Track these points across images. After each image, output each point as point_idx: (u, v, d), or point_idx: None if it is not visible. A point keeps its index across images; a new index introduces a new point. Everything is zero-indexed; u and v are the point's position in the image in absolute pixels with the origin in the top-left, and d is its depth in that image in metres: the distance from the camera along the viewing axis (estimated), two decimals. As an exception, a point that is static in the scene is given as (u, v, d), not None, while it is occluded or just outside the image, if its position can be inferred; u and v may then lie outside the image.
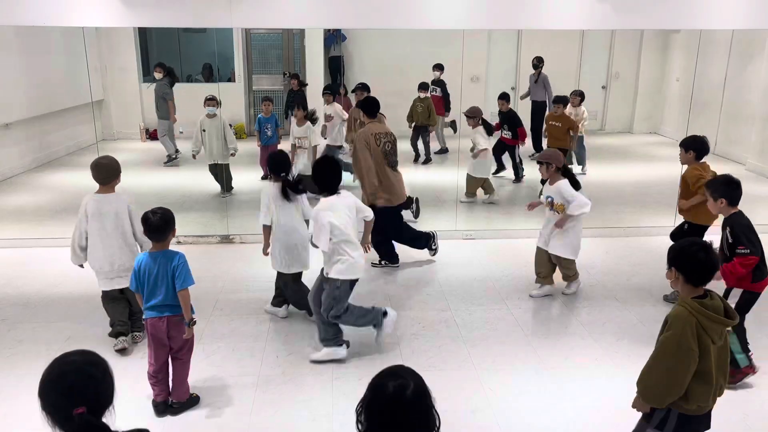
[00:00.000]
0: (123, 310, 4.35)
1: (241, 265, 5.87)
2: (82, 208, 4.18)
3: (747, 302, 3.82)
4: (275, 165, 4.60)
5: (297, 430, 3.50)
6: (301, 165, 7.53)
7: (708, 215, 5.07)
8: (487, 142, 7.68)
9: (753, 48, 9.57)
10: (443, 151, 10.22)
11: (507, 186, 8.68)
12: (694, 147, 5.05)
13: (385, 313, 4.26)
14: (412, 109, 9.51)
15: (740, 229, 3.69)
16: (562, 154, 5.11)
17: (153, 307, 3.50)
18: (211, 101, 7.69)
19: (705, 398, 2.55)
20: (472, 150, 7.61)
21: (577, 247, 5.08)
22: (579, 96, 8.88)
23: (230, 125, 8.02)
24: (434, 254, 5.99)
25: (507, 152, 8.58)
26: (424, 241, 5.94)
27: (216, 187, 8.00)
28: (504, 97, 8.44)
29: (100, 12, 5.57)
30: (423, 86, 9.53)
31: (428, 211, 7.29)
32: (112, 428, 1.81)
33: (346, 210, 4.04)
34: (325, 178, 4.08)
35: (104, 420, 1.82)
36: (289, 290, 4.73)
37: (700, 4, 5.98)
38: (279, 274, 4.72)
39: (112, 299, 4.36)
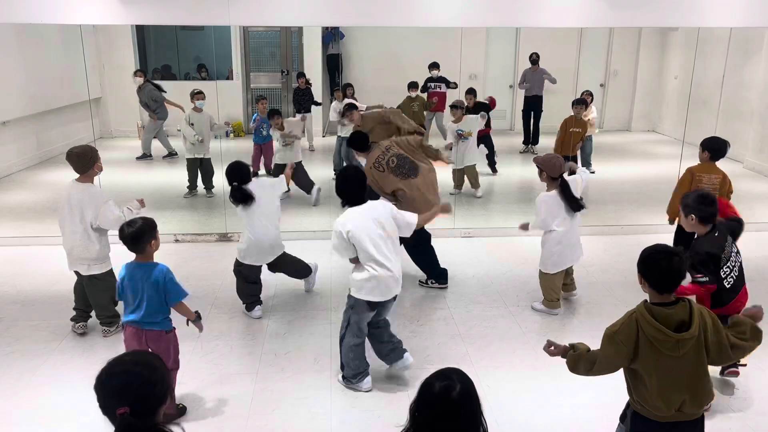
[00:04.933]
0: (82, 296, 4.50)
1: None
2: (64, 197, 4.30)
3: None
4: (230, 175, 4.64)
5: (296, 428, 3.50)
6: (278, 157, 7.64)
7: None
8: (475, 129, 7.80)
9: (751, 46, 9.58)
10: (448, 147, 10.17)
11: (494, 182, 8.68)
12: (709, 148, 5.03)
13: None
14: (406, 110, 9.43)
15: (700, 254, 3.50)
16: (562, 161, 4.75)
17: (133, 320, 3.41)
18: (199, 95, 7.70)
19: (658, 406, 2.47)
20: (465, 138, 7.75)
21: (548, 262, 4.79)
22: (591, 95, 8.94)
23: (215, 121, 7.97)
24: (427, 284, 5.42)
25: (482, 144, 8.47)
26: (435, 274, 5.37)
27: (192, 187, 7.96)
28: (471, 92, 8.54)
29: (98, 10, 5.56)
30: (413, 85, 9.49)
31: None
32: (165, 428, 1.82)
33: (372, 221, 3.64)
34: (347, 189, 3.73)
35: (156, 419, 1.84)
36: (288, 269, 5.00)
37: (698, 1, 5.98)
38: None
39: (77, 283, 4.50)
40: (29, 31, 8.61)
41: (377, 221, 3.65)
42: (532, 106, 10.32)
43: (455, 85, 9.61)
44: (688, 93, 7.57)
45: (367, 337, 3.90)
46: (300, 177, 7.51)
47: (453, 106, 7.85)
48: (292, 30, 11.59)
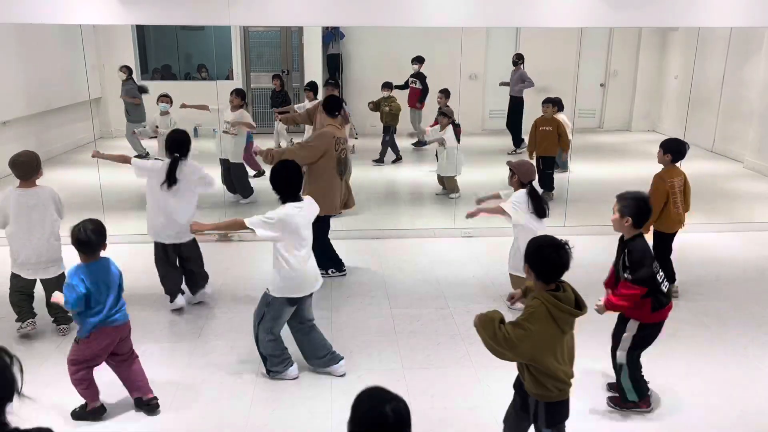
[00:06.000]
0: (28, 299, 4.49)
1: (239, 263, 5.88)
2: (2, 201, 4.29)
3: (644, 339, 3.55)
4: (172, 144, 4.64)
5: (296, 428, 3.50)
6: (230, 153, 7.47)
7: (671, 223, 5.04)
8: (454, 142, 7.70)
9: (751, 46, 9.57)
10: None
11: (495, 182, 8.66)
12: (671, 150, 4.95)
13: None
14: (379, 109, 9.38)
15: (639, 256, 3.44)
16: (534, 169, 4.88)
17: (109, 316, 3.42)
18: (164, 98, 7.68)
19: (561, 384, 2.72)
20: (442, 144, 7.71)
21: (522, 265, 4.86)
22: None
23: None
24: (325, 275, 5.41)
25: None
26: (333, 264, 5.56)
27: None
28: (444, 92, 8.27)
29: (98, 10, 5.56)
30: (387, 85, 9.45)
31: (428, 210, 7.30)
32: (14, 426, 1.76)
33: (306, 219, 3.80)
34: (282, 183, 3.78)
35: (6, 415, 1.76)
36: (193, 264, 4.98)
37: (698, 1, 5.98)
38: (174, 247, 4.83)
39: (20, 287, 4.44)
40: (29, 31, 8.61)
41: (309, 220, 3.83)
42: (512, 107, 10.17)
43: (412, 83, 9.57)
44: (689, 93, 7.56)
45: (302, 339, 4.00)
46: (240, 177, 7.49)
47: (441, 113, 7.79)
48: (293, 30, 11.59)
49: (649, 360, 3.70)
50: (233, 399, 3.75)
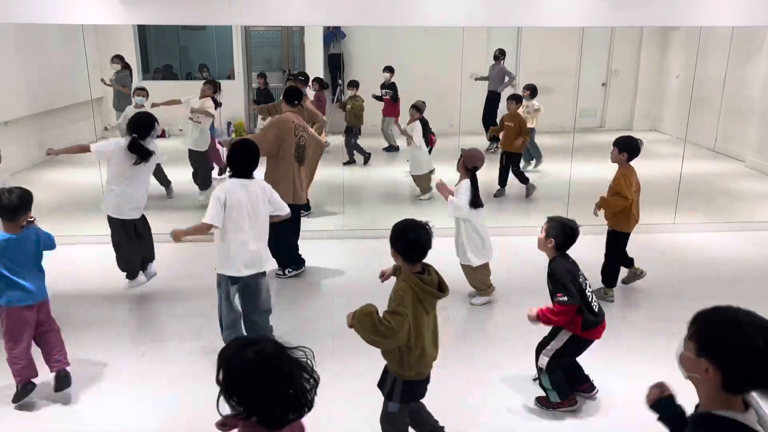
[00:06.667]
0: None
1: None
2: None
3: (571, 350, 3.58)
4: (131, 124, 4.74)
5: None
6: (192, 141, 7.45)
7: (627, 223, 5.06)
8: (419, 139, 7.76)
9: (753, 45, 9.57)
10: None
11: (494, 182, 8.65)
12: (628, 149, 4.97)
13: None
14: (345, 109, 9.36)
15: (561, 275, 3.47)
16: (482, 157, 4.93)
17: (20, 294, 3.47)
18: (140, 91, 7.51)
19: (422, 365, 2.90)
20: (409, 144, 7.78)
21: (478, 252, 4.92)
22: (529, 90, 8.67)
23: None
24: (282, 274, 5.58)
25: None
26: (295, 263, 5.58)
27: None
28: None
29: (99, 9, 5.57)
30: (353, 84, 9.43)
31: (428, 210, 7.30)
32: None
33: (249, 197, 3.82)
34: (237, 160, 3.86)
35: None
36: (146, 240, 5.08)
37: (699, 0, 5.98)
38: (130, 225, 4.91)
39: None
40: (30, 31, 8.61)
41: (253, 200, 3.83)
42: (489, 102, 10.09)
43: (386, 95, 9.59)
44: (690, 92, 7.55)
45: (249, 320, 4.07)
46: (201, 167, 7.49)
47: (413, 106, 7.83)
48: (294, 30, 11.59)
49: (650, 360, 3.70)
50: (234, 399, 3.74)
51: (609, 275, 5.20)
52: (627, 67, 11.91)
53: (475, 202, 4.84)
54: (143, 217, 5.02)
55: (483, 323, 4.71)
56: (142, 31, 11.44)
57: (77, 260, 5.88)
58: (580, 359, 3.71)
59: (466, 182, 4.85)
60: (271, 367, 1.80)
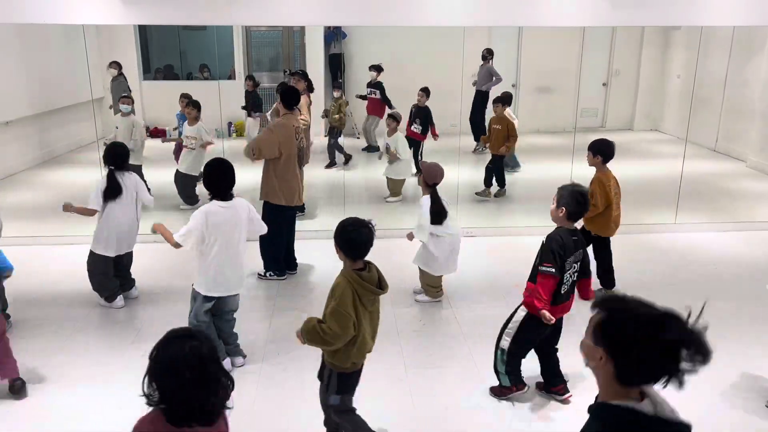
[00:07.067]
0: None
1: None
2: None
3: (529, 330, 3.57)
4: (107, 155, 4.70)
5: (299, 427, 3.51)
6: (185, 165, 7.34)
7: (607, 227, 5.04)
8: (406, 153, 7.79)
9: (754, 44, 9.56)
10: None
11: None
12: (603, 152, 4.93)
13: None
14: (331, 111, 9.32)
15: (556, 245, 3.43)
16: (441, 172, 4.89)
17: None
18: (125, 98, 7.47)
19: (358, 357, 2.98)
20: (387, 151, 7.73)
21: (430, 262, 4.92)
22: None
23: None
24: (263, 276, 5.54)
25: (412, 147, 8.26)
26: (279, 269, 5.53)
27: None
28: (424, 90, 8.33)
29: (100, 10, 5.57)
30: (337, 86, 9.39)
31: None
32: None
33: (232, 219, 3.81)
34: (211, 183, 3.84)
35: None
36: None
37: (701, 0, 5.97)
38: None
39: None
40: (31, 31, 8.62)
41: (234, 222, 3.82)
42: (477, 102, 9.98)
43: (371, 94, 9.58)
44: (691, 92, 7.55)
45: (215, 324, 4.05)
46: (187, 187, 7.42)
47: (390, 116, 7.82)
48: (294, 30, 11.59)
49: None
50: (236, 398, 3.73)
51: (606, 278, 5.21)
52: (628, 67, 11.90)
53: (439, 215, 4.80)
54: (130, 253, 4.96)
55: (483, 323, 4.70)
56: (143, 31, 11.44)
57: (77, 260, 5.87)
58: (580, 358, 3.70)
59: (426, 198, 4.82)
60: (200, 366, 1.84)
